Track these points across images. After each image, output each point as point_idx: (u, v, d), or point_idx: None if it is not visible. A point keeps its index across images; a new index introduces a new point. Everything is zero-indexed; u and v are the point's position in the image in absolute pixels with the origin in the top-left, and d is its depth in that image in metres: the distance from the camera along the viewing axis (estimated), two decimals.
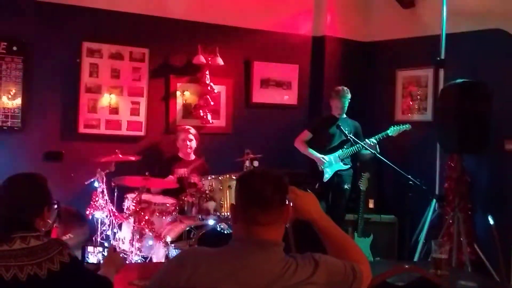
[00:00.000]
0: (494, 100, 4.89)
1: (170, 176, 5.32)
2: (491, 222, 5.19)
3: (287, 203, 1.92)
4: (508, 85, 5.27)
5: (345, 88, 5.72)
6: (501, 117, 5.10)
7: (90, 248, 2.95)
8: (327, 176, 5.66)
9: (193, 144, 5.57)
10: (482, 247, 5.13)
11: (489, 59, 5.48)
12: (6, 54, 5.17)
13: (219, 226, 4.65)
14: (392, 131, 5.54)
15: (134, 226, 4.58)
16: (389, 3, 6.12)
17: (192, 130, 5.58)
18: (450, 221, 5.01)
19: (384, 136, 5.52)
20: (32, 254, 2.20)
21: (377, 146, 5.51)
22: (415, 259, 5.22)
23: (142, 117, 5.73)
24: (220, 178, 4.92)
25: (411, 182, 5.22)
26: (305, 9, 6.54)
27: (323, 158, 5.64)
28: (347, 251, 1.99)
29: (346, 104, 5.70)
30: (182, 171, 5.47)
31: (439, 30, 5.52)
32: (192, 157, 5.61)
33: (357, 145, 5.53)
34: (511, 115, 5.23)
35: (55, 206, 2.46)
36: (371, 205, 6.11)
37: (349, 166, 5.73)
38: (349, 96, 5.69)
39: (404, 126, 5.58)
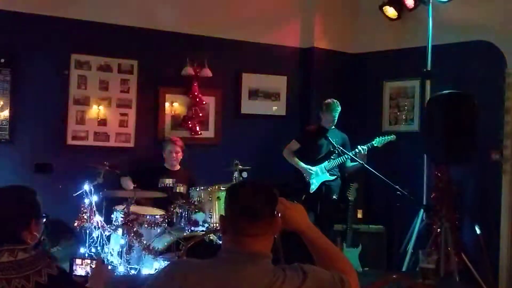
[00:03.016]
0: (480, 111, 4.94)
1: None
2: (478, 231, 5.24)
3: (276, 214, 1.93)
4: (493, 96, 5.34)
5: (336, 101, 5.75)
6: (486, 128, 5.15)
7: (78, 261, 2.94)
8: (313, 187, 5.68)
9: (179, 156, 5.59)
10: (469, 256, 5.16)
11: (475, 70, 5.55)
12: None
13: (208, 237, 4.65)
14: (377, 141, 5.59)
15: (122, 238, 4.57)
16: (376, 16, 6.18)
17: (179, 142, 5.59)
18: (438, 231, 5.04)
19: (370, 146, 5.56)
20: (19, 267, 2.19)
21: (366, 156, 5.55)
22: (404, 269, 5.24)
23: (130, 129, 5.73)
24: (209, 189, 4.93)
25: (398, 193, 5.25)
26: (293, 21, 6.59)
27: (309, 169, 5.67)
28: (335, 262, 2.00)
29: (336, 117, 5.73)
30: (168, 181, 5.48)
31: (425, 42, 5.58)
32: (178, 167, 5.62)
33: (344, 156, 5.56)
34: (496, 126, 5.30)
35: (44, 219, 2.45)
36: (359, 216, 6.13)
37: (336, 176, 5.75)
38: (339, 109, 5.72)
39: (389, 137, 5.62)
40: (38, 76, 5.37)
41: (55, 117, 5.46)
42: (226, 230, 1.91)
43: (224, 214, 1.94)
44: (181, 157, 5.63)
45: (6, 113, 5.21)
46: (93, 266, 2.84)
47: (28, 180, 4.86)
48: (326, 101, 5.77)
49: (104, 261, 2.80)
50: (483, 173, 5.52)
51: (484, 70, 5.50)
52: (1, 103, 5.20)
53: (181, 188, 5.43)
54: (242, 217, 1.86)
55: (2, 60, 5.19)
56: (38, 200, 2.40)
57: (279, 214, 1.95)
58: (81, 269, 2.90)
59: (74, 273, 2.90)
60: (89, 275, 2.80)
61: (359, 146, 5.57)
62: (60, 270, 2.28)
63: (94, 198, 4.85)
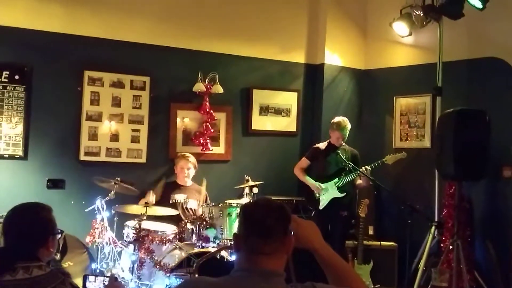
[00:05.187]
0: (491, 127, 4.93)
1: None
2: (491, 248, 5.20)
3: (289, 232, 1.93)
4: (504, 113, 5.33)
5: (345, 119, 5.73)
6: (498, 144, 5.14)
7: (91, 278, 2.95)
8: (322, 203, 5.66)
9: (191, 172, 5.61)
10: (482, 274, 5.12)
11: (485, 87, 5.56)
12: (8, 83, 5.23)
13: (219, 254, 4.64)
14: (388, 159, 5.55)
15: (134, 254, 4.58)
16: (387, 32, 6.20)
17: (191, 159, 5.60)
18: (450, 248, 5.01)
19: (380, 163, 5.53)
20: (34, 284, 2.20)
21: (371, 173, 5.52)
22: (415, 286, 5.20)
23: (142, 145, 5.77)
24: (220, 205, 4.94)
25: (410, 209, 5.22)
26: (303, 37, 6.63)
27: (319, 186, 5.65)
28: (348, 280, 1.99)
29: (346, 135, 5.70)
30: (179, 197, 5.50)
31: (436, 58, 5.60)
32: (190, 183, 5.63)
33: (354, 173, 5.53)
34: (508, 142, 5.29)
35: (59, 236, 2.47)
36: (370, 232, 6.10)
37: (346, 193, 5.72)
38: (349, 127, 5.69)
39: (399, 154, 5.59)
40: (52, 92, 5.43)
41: (68, 133, 5.52)
42: (239, 248, 1.92)
43: (237, 232, 1.95)
44: (193, 174, 5.64)
45: (19, 129, 5.27)
46: (106, 283, 2.85)
47: (41, 196, 4.89)
48: (335, 119, 5.75)
49: (116, 278, 2.80)
50: (495, 190, 5.49)
51: (495, 87, 5.51)
52: (15, 119, 5.26)
53: (192, 204, 5.44)
54: (255, 235, 1.87)
55: (16, 77, 5.26)
56: (54, 217, 2.43)
57: (292, 232, 1.95)
58: (94, 286, 2.91)
59: None
60: None
61: (366, 166, 5.53)
62: (74, 287, 2.30)
63: (106, 214, 4.87)
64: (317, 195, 5.68)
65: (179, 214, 5.25)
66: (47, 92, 5.41)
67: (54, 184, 5.36)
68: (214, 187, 5.80)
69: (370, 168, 5.47)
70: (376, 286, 5.45)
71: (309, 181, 5.74)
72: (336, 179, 5.65)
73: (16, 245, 2.29)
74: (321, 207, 5.67)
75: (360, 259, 5.58)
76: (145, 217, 4.71)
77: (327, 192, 5.66)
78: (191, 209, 5.48)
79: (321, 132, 6.41)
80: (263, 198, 1.95)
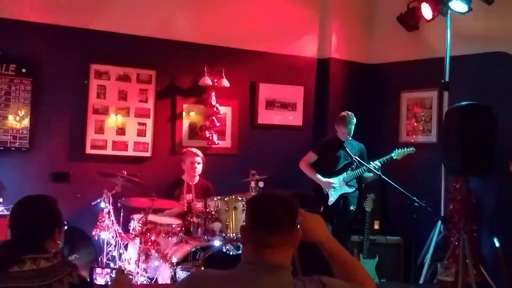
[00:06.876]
0: (498, 122, 4.91)
1: None
2: (497, 243, 5.19)
3: (296, 226, 1.93)
4: (511, 108, 5.31)
5: (350, 113, 5.69)
6: (505, 139, 5.11)
7: (98, 270, 2.96)
8: (332, 199, 5.65)
9: (200, 167, 5.57)
10: (488, 269, 5.11)
11: (493, 81, 5.53)
12: (15, 76, 5.25)
13: (225, 247, 4.66)
14: (396, 154, 5.54)
15: (140, 247, 4.59)
16: (394, 26, 6.18)
17: (200, 153, 5.58)
18: (456, 243, 5.00)
19: (388, 159, 5.53)
20: (42, 275, 2.22)
21: (380, 169, 5.52)
22: (421, 281, 5.20)
23: (148, 138, 5.78)
24: (225, 199, 4.93)
25: (416, 204, 5.22)
26: (310, 31, 6.61)
27: (332, 184, 5.63)
28: (353, 273, 2.00)
29: (352, 129, 5.68)
30: (189, 197, 5.48)
31: (443, 53, 5.57)
32: (197, 179, 5.61)
33: (362, 168, 5.53)
34: None
35: (65, 228, 2.48)
36: (376, 227, 6.10)
37: (355, 188, 5.72)
38: (354, 121, 5.67)
39: (408, 149, 5.58)
40: (58, 85, 5.44)
41: (74, 126, 5.53)
42: (246, 240, 1.92)
43: (244, 225, 1.95)
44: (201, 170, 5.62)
45: (26, 122, 5.29)
46: (113, 276, 2.86)
47: (46, 189, 4.90)
48: (341, 114, 5.72)
49: (123, 271, 2.81)
50: (502, 185, 5.47)
51: (502, 81, 5.48)
52: (22, 112, 5.27)
53: (199, 204, 5.41)
54: (262, 228, 1.87)
55: (23, 70, 5.27)
56: (59, 209, 2.44)
57: (299, 226, 1.95)
58: (101, 278, 2.92)
59: (94, 282, 2.92)
60: (108, 284, 2.82)
61: (375, 161, 5.51)
62: (81, 278, 2.31)
63: (112, 207, 4.88)
64: (326, 190, 5.67)
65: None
66: (54, 86, 5.42)
67: (60, 177, 5.38)
68: (220, 181, 5.79)
69: (380, 164, 5.47)
70: (382, 280, 5.44)
71: (319, 177, 5.71)
72: (344, 174, 5.64)
73: (23, 237, 2.30)
74: (330, 203, 5.66)
75: (365, 253, 5.57)
76: (151, 210, 4.72)
77: (337, 188, 5.65)
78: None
79: (327, 127, 6.39)
80: (270, 191, 1.95)
